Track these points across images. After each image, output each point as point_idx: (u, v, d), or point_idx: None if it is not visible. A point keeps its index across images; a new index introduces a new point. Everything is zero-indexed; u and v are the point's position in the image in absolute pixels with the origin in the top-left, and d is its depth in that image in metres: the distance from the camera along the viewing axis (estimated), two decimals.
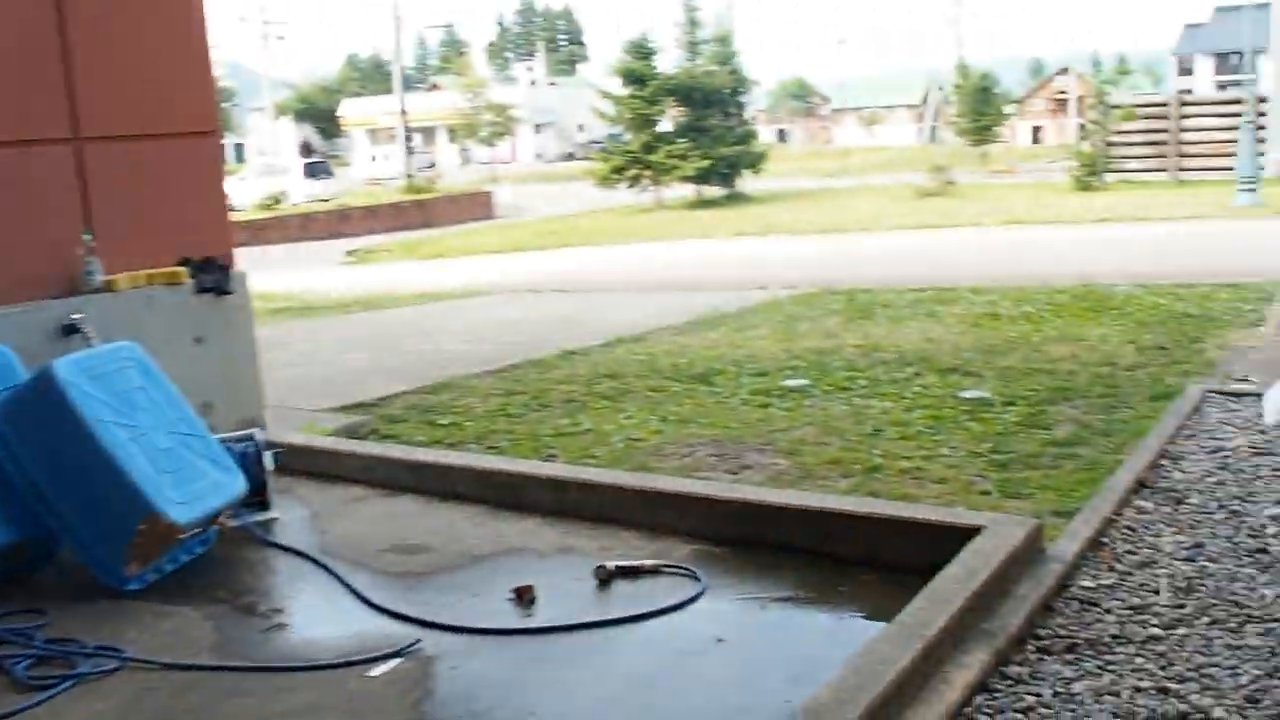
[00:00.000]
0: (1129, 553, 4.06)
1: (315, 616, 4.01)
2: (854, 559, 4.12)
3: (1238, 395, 5.90)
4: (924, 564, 3.81)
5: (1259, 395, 5.76)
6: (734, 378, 7.33)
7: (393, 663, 3.47)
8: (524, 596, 3.88)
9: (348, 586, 4.08)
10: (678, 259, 16.06)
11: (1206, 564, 3.92)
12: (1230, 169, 21.08)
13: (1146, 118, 24.38)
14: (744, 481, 5.16)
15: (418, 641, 3.58)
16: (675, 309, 10.71)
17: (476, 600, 3.97)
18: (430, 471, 5.24)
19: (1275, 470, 4.78)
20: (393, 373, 8.19)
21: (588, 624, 3.71)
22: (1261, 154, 19.45)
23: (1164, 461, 4.99)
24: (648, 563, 4.16)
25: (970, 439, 5.66)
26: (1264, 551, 3.98)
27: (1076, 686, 3.18)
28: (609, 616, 3.75)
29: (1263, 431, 5.30)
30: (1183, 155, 23.90)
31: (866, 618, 3.77)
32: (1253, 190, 16.42)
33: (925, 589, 3.50)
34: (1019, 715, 3.05)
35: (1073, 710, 3.06)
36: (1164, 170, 24.33)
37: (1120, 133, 24.60)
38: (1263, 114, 19.90)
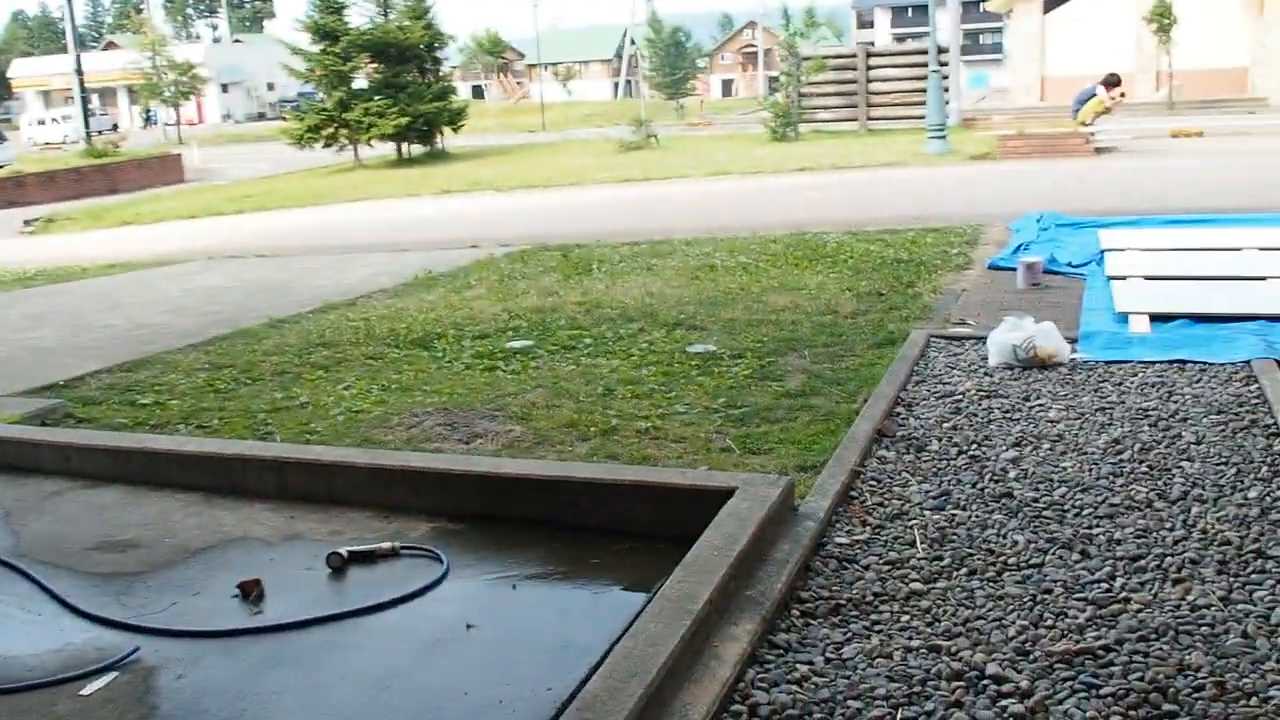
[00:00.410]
0: (879, 505, 3.93)
1: (12, 631, 3.41)
2: (604, 528, 3.83)
3: (959, 339, 5.98)
4: (678, 530, 3.54)
5: (980, 338, 5.85)
6: (455, 341, 6.86)
7: (108, 677, 3.01)
8: (250, 592, 3.47)
9: (49, 592, 3.55)
10: (383, 219, 15.27)
11: (956, 512, 3.83)
12: (915, 118, 22.24)
13: (836, 69, 25.37)
14: (478, 451, 4.74)
15: (135, 651, 3.13)
16: (386, 271, 10.07)
17: (198, 600, 3.51)
18: (135, 458, 4.61)
19: (1006, 413, 4.80)
20: (84, 350, 7.23)
21: (323, 618, 3.31)
22: (947, 102, 20.59)
23: (899, 409, 4.93)
24: (384, 545, 3.76)
25: (704, 394, 5.45)
26: (1009, 496, 3.94)
27: (847, 651, 2.98)
28: (346, 609, 3.37)
29: (988, 374, 5.35)
30: (871, 105, 25.06)
31: (625, 589, 3.50)
32: (942, 137, 17.34)
33: (685, 559, 3.21)
34: (794, 686, 2.82)
35: (847, 677, 2.85)
36: (854, 120, 25.44)
37: (811, 84, 25.49)
38: (944, 64, 21.05)
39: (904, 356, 5.65)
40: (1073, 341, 5.72)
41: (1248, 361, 5.26)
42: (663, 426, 4.99)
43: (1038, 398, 4.97)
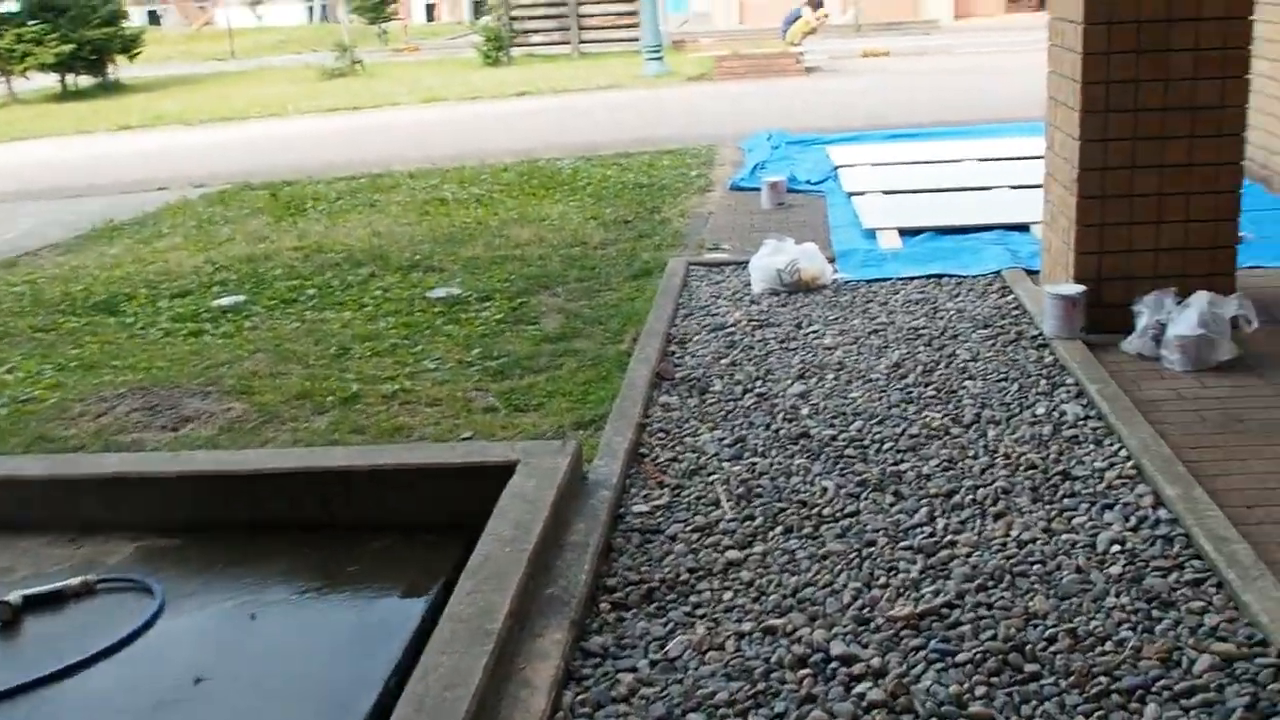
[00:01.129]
0: (673, 460, 3.57)
1: None
2: (361, 524, 3.26)
3: (718, 265, 5.69)
4: (453, 516, 3.06)
5: (740, 264, 5.58)
6: (149, 303, 5.97)
7: None
8: None
9: None
10: (50, 160, 13.55)
11: (755, 460, 3.52)
12: (627, 40, 21.99)
13: None
14: (190, 441, 4.03)
15: None
16: (56, 222, 8.76)
17: None
18: None
19: (782, 342, 4.54)
20: None
21: None
22: (662, 24, 20.39)
23: (672, 347, 4.58)
24: (73, 582, 3.04)
25: (454, 346, 4.92)
26: (807, 436, 3.66)
27: (673, 647, 2.61)
28: (26, 678, 2.61)
29: (755, 301, 5.08)
30: (583, 28, 24.64)
31: (400, 597, 2.97)
32: (660, 59, 17.13)
33: (471, 561, 2.73)
34: (621, 705, 2.41)
35: (679, 681, 2.49)
36: (567, 44, 24.96)
37: (521, 7, 24.78)
38: None
39: (665, 288, 5.30)
40: (831, 261, 5.55)
41: (998, 272, 5.23)
42: (413, 388, 4.44)
43: (810, 324, 4.74)
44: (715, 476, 3.43)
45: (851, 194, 7.09)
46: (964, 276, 5.24)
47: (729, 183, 7.84)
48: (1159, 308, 3.97)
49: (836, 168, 8.02)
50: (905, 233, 6.03)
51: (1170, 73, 3.99)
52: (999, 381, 3.98)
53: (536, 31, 25.14)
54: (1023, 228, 5.99)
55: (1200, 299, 3.87)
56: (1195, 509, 2.90)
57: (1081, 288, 4.14)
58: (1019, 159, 7.88)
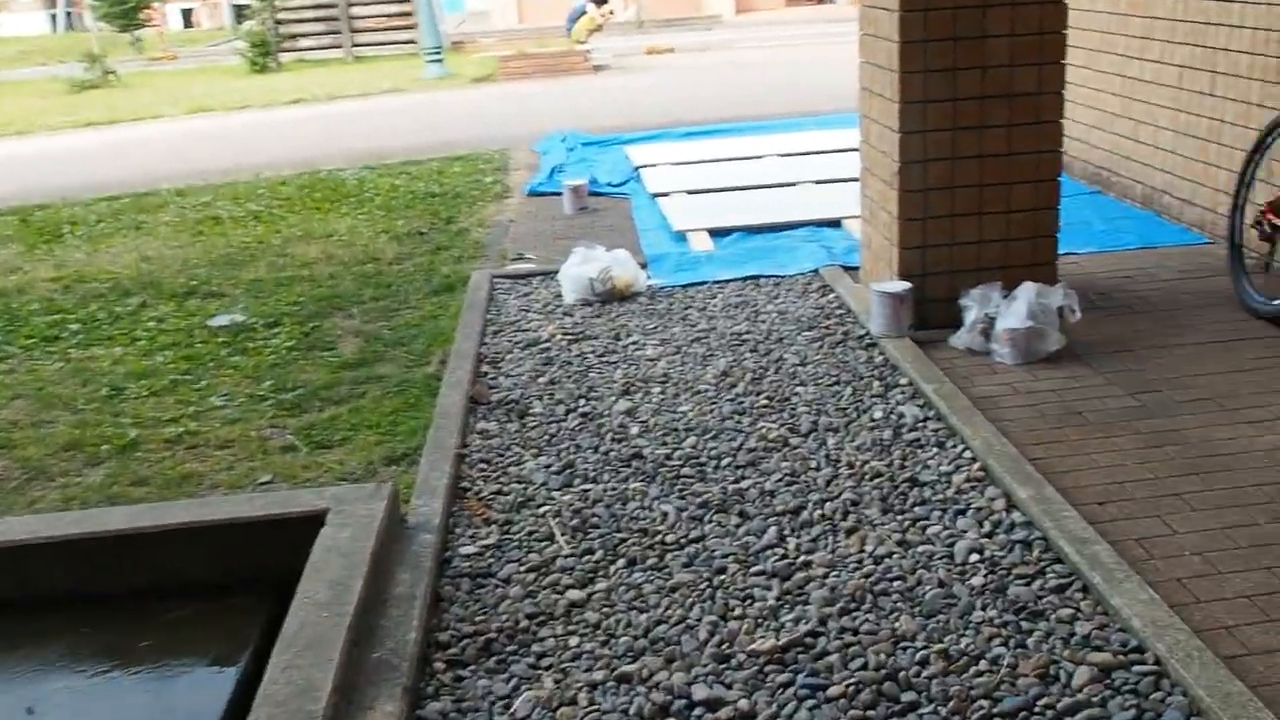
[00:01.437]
0: (499, 494, 3.28)
1: None
2: (153, 593, 2.86)
3: (525, 277, 5.40)
4: (259, 574, 2.71)
5: (549, 274, 5.32)
6: None
7: None
8: None
9: None
10: None
11: (588, 487, 3.27)
12: (403, 43, 21.39)
13: None
14: None
15: None
16: None
17: None
18: None
19: (601, 356, 4.31)
20: None
21: None
22: (440, 25, 19.85)
23: (485, 368, 4.28)
24: None
25: (243, 379, 4.50)
26: (639, 457, 3.44)
27: (520, 706, 2.34)
28: None
29: (568, 313, 4.83)
30: (355, 31, 23.81)
31: (206, 671, 2.60)
32: (440, 60, 16.62)
33: (285, 629, 2.38)
34: None
35: None
36: (339, 47, 24.09)
37: (288, 10, 23.77)
38: None
39: (471, 304, 4.99)
40: (643, 266, 5.36)
41: (816, 270, 5.15)
42: (199, 430, 4.00)
43: (629, 334, 4.53)
44: (546, 509, 3.17)
45: (656, 195, 6.93)
46: (781, 277, 5.13)
47: (527, 188, 7.56)
48: (986, 301, 3.93)
49: (637, 168, 7.85)
50: (715, 233, 5.91)
51: (987, 59, 3.95)
52: (831, 386, 3.86)
53: (306, 35, 24.18)
54: (834, 223, 5.96)
55: (1027, 290, 3.84)
56: (1050, 510, 2.82)
57: (907, 284, 4.07)
58: (820, 153, 7.93)
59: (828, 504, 3.07)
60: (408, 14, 20.68)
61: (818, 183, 6.92)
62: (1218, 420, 3.35)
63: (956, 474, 3.15)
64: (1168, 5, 5.29)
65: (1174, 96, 5.32)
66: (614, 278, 4.90)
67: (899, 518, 2.98)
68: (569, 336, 4.53)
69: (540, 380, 4.11)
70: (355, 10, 23.88)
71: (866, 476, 3.21)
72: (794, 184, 6.96)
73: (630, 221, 6.45)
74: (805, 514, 3.03)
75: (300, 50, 24.39)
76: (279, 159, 10.22)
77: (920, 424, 3.49)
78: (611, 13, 18.05)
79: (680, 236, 5.92)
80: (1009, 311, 3.83)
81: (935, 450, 3.31)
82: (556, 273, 5.18)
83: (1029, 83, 4.00)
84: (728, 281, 5.12)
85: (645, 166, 7.86)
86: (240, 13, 26.08)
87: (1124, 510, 2.85)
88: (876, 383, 3.84)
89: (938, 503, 3.03)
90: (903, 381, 3.80)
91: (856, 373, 3.94)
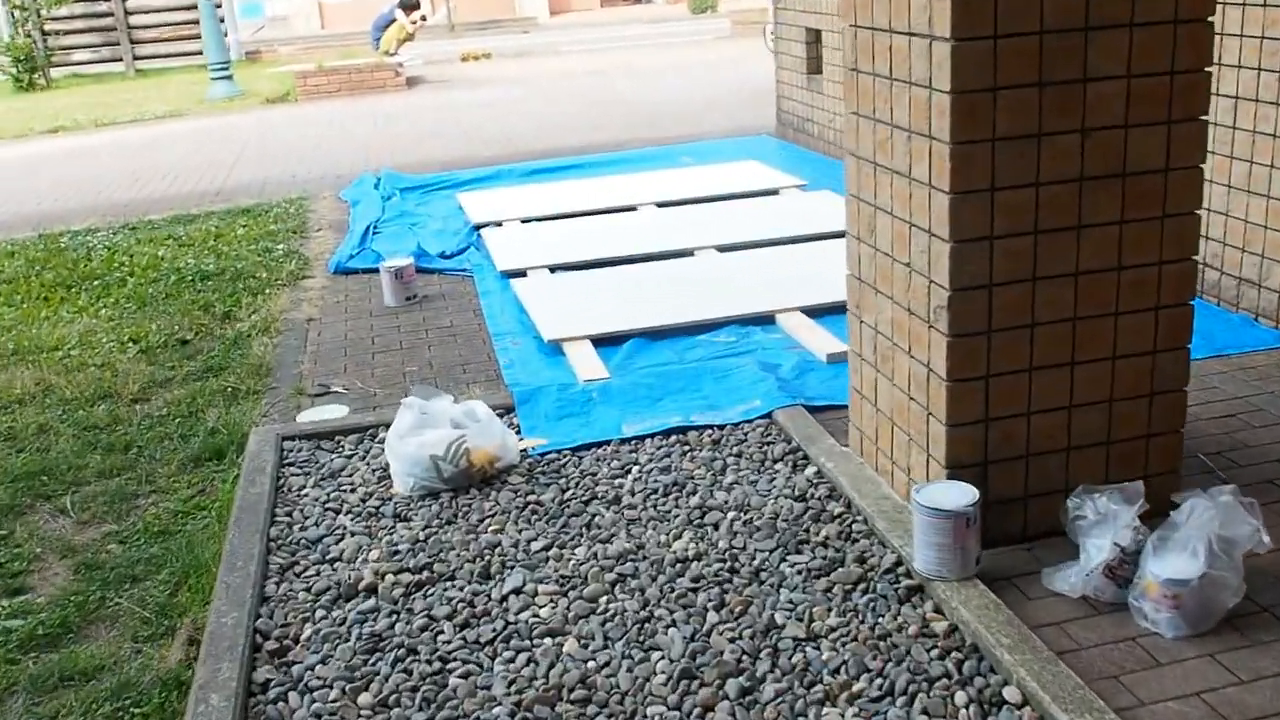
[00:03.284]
0: None
1: None
2: None
3: (331, 436, 3.58)
4: None
5: (365, 431, 3.52)
6: None
7: None
8: None
9: None
10: None
11: None
12: (193, 53, 18.94)
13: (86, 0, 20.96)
14: None
15: None
16: None
17: None
18: None
19: (463, 625, 2.55)
20: None
21: None
22: (226, 34, 17.46)
23: (266, 667, 2.46)
24: None
25: None
26: None
27: None
28: None
29: (403, 517, 3.05)
30: (136, 42, 21.07)
31: None
32: (228, 77, 14.28)
33: None
34: None
35: None
36: (119, 60, 21.32)
37: (55, 19, 20.89)
38: None
39: (247, 498, 3.16)
40: (508, 411, 3.64)
41: (768, 414, 3.51)
42: None
43: (505, 568, 2.78)
44: None
45: (508, 273, 5.19)
46: (719, 427, 3.48)
47: (332, 262, 5.68)
48: (1111, 520, 2.36)
49: (476, 227, 6.09)
50: (602, 341, 4.21)
51: (1090, 116, 2.38)
52: (879, 701, 2.21)
53: (81, 48, 21.36)
54: (765, 319, 4.35)
55: (1198, 514, 2.28)
56: None
57: (973, 492, 2.46)
58: (710, 200, 6.32)
59: None
60: (195, 21, 18.27)
61: (720, 249, 5.30)
62: None
63: None
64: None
65: (1226, 138, 3.90)
66: (470, 451, 3.15)
67: None
68: (406, 575, 2.75)
69: (368, 694, 2.33)
70: (135, 19, 21.16)
71: None
72: (690, 251, 5.32)
73: (477, 319, 4.69)
74: None
75: (75, 64, 21.55)
76: (15, 215, 8.01)
77: None
78: (424, 19, 16.01)
79: (553, 349, 4.20)
80: (1170, 549, 2.26)
81: None
82: (375, 430, 3.40)
83: (1153, 153, 2.45)
84: (642, 438, 3.43)
85: (486, 225, 6.10)
86: (12, 20, 22.77)
87: None
88: (960, 692, 2.20)
89: None
90: (1011, 697, 2.17)
91: (917, 668, 2.29)
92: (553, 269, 5.19)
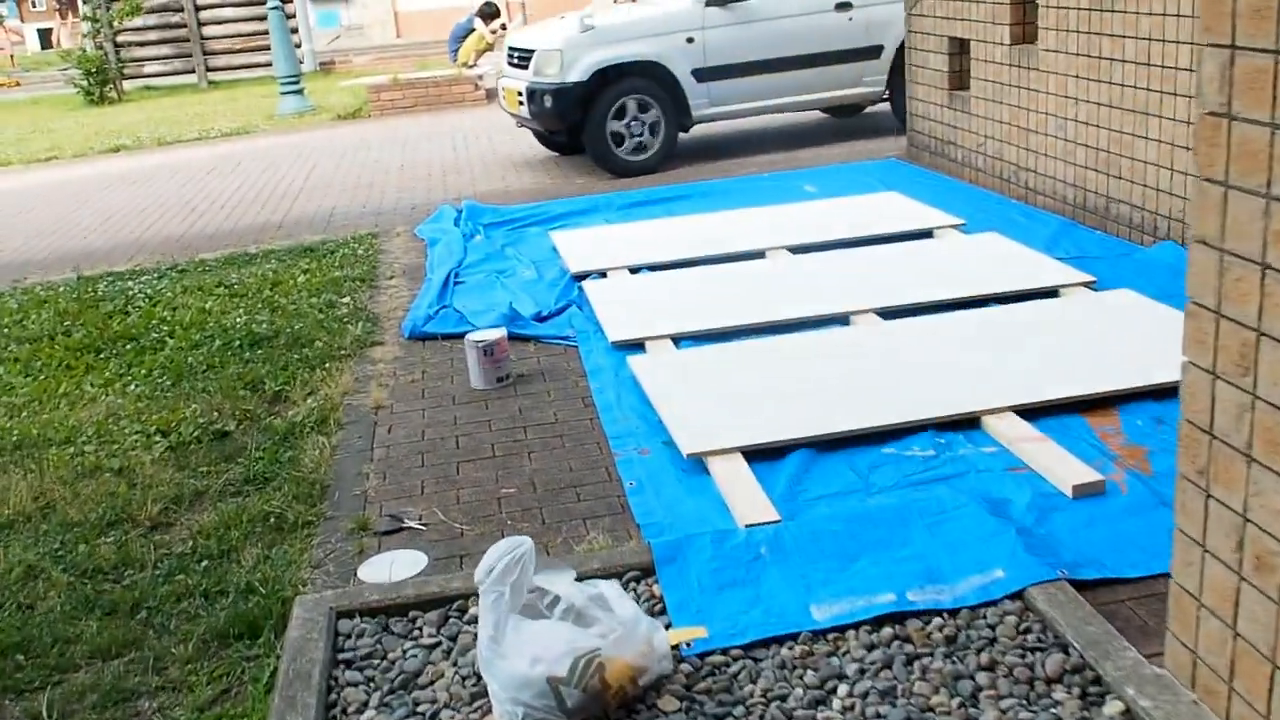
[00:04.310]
0: None
1: None
2: None
3: (401, 610, 2.59)
4: None
5: (455, 602, 2.53)
6: None
7: None
8: None
9: None
10: None
11: None
12: (265, 65, 18.31)
13: (157, 10, 20.45)
14: None
15: None
16: None
17: None
18: None
19: None
20: None
21: None
22: (298, 45, 16.76)
23: None
24: None
25: None
26: None
27: None
28: None
29: None
30: (208, 53, 20.53)
31: None
32: (299, 92, 13.50)
33: None
34: None
35: None
36: (192, 72, 20.80)
37: (129, 29, 20.40)
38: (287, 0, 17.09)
39: (283, 712, 2.19)
40: (642, 578, 2.64)
41: (1018, 592, 2.47)
42: None
43: None
44: None
45: (620, 345, 4.20)
46: (949, 612, 2.44)
47: (406, 324, 4.74)
48: None
49: (576, 278, 5.12)
50: (756, 453, 3.20)
51: None
52: None
53: (153, 59, 20.87)
54: (966, 423, 3.30)
55: None
56: None
57: None
58: (856, 242, 5.24)
59: None
60: (267, 32, 17.65)
61: (882, 314, 4.26)
62: None
63: None
64: None
65: None
66: (605, 663, 2.16)
67: None
68: None
69: None
70: (208, 30, 20.62)
71: None
72: (845, 318, 4.29)
73: (588, 411, 3.70)
74: None
75: (147, 76, 21.07)
76: (57, 251, 7.22)
77: None
78: (504, 27, 15.08)
79: (696, 466, 3.20)
80: None
81: None
82: (465, 603, 2.42)
83: None
84: (843, 628, 2.41)
85: (588, 275, 5.13)
86: (87, 30, 22.36)
87: None
88: None
89: None
90: None
91: None
92: (676, 340, 4.19)
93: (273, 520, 3.15)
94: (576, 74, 7.50)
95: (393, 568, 2.80)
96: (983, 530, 2.68)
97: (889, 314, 4.28)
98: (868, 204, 6.01)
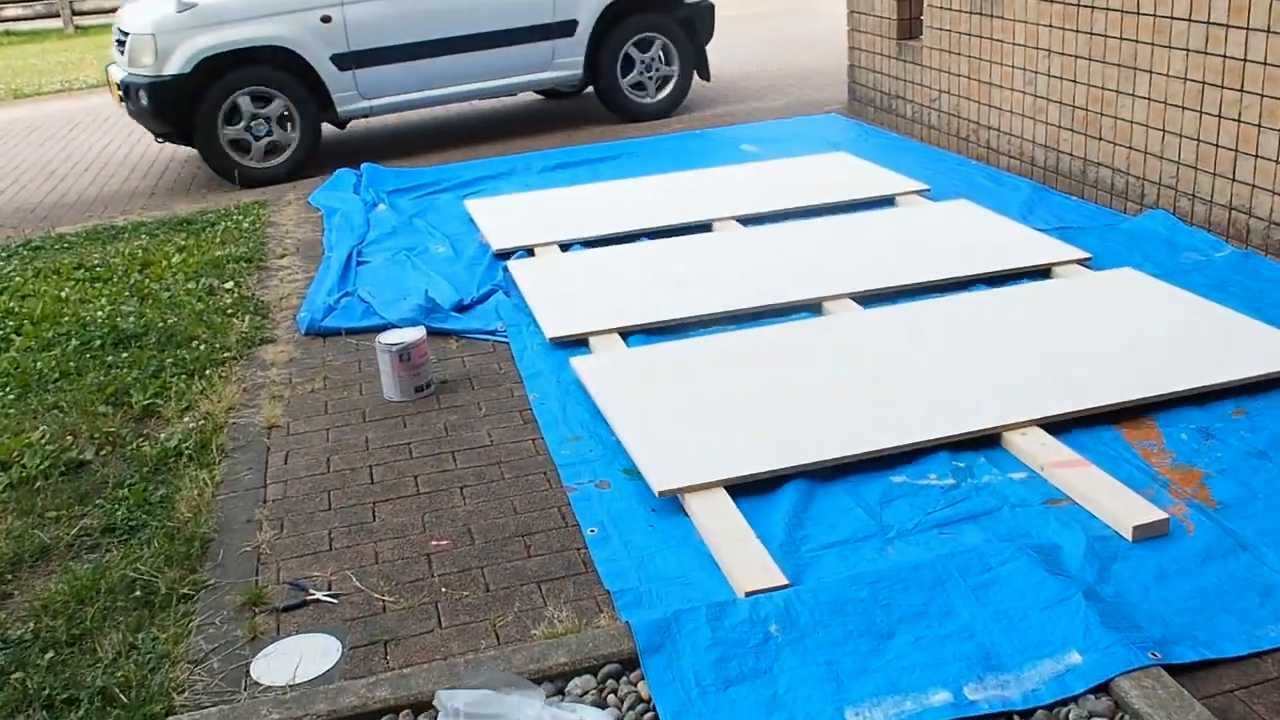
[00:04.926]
0: None
1: None
2: None
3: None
4: None
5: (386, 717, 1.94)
6: None
7: None
8: None
9: None
10: None
11: None
12: None
13: None
14: None
15: None
16: None
17: None
18: None
19: None
20: None
21: None
22: None
23: None
24: None
25: None
26: None
27: None
28: None
29: None
30: None
31: None
32: None
33: None
34: None
35: None
36: (56, 15, 19.33)
37: None
38: None
39: None
40: (624, 672, 2.06)
41: (1105, 685, 1.95)
42: None
43: None
44: None
45: (560, 342, 3.59)
46: (1020, 715, 1.91)
47: (302, 318, 4.04)
48: None
49: (499, 256, 4.48)
50: (742, 487, 2.63)
51: None
52: None
53: (12, 2, 19.34)
54: (985, 441, 2.78)
55: None
56: None
57: None
58: (812, 211, 4.64)
59: None
60: None
61: (859, 299, 3.72)
62: None
63: None
64: None
65: None
66: None
67: None
68: None
69: None
70: None
71: None
72: (817, 305, 3.74)
73: (528, 427, 3.09)
74: None
75: (6, 21, 19.53)
76: None
77: None
78: None
79: (669, 503, 2.62)
80: None
81: None
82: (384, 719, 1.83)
83: None
84: None
85: (513, 253, 4.50)
86: None
87: None
88: None
89: None
90: None
91: None
92: (624, 335, 3.59)
93: (139, 591, 2.48)
94: (176, 65, 5.99)
95: (298, 667, 2.17)
96: (1043, 595, 2.16)
97: (868, 300, 3.73)
98: (817, 166, 5.45)
